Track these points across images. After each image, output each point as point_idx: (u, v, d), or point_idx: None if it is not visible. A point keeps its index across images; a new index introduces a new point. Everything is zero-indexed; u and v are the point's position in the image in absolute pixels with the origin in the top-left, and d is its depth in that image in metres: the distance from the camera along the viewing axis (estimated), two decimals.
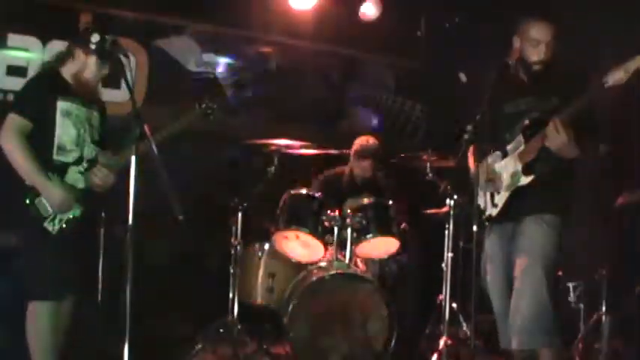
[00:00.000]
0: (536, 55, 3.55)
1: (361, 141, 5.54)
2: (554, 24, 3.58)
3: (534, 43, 3.55)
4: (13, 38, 5.25)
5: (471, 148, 3.77)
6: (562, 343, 3.51)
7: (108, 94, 5.30)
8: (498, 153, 3.65)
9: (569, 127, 3.27)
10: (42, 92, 3.60)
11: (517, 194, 3.52)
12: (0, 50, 5.22)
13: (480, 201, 3.72)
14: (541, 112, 3.50)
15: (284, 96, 6.21)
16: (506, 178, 3.57)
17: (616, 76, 3.07)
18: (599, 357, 4.51)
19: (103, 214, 4.44)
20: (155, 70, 5.72)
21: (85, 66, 3.69)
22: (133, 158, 3.10)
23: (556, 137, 3.28)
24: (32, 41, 5.30)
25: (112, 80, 5.27)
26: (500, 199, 3.58)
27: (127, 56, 3.46)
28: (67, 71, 3.70)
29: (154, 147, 3.14)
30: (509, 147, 3.60)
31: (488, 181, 3.64)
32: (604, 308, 4.57)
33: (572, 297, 4.77)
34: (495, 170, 3.65)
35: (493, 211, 3.63)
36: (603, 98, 3.31)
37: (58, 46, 4.72)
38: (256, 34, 6.10)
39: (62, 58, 3.73)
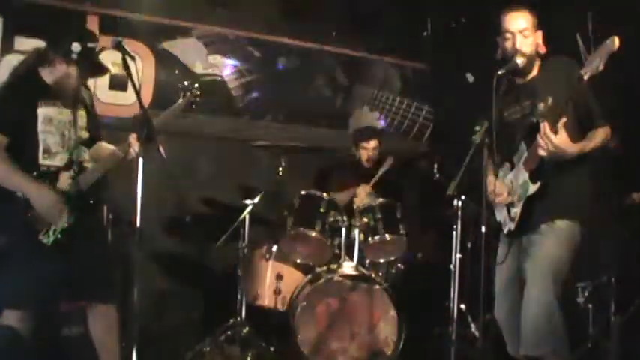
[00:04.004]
0: (511, 46, 3.51)
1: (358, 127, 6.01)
2: (528, 13, 3.51)
3: (507, 35, 3.52)
4: (19, 41, 5.25)
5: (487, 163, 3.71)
6: (569, 350, 3.48)
7: (114, 97, 5.36)
8: (508, 165, 3.61)
9: (561, 127, 3.19)
10: (18, 101, 3.41)
11: (530, 204, 3.48)
12: (6, 54, 5.21)
13: (499, 217, 3.69)
14: (539, 116, 3.42)
15: (291, 97, 6.20)
16: (517, 190, 3.53)
17: (593, 65, 3.01)
18: (609, 358, 4.47)
19: (110, 216, 4.45)
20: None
21: (67, 76, 3.48)
22: (140, 160, 3.10)
23: (546, 144, 3.20)
24: (39, 44, 5.27)
25: (119, 82, 5.32)
26: (516, 211, 3.53)
27: (133, 58, 3.40)
28: (46, 74, 3.51)
29: (162, 149, 3.12)
30: (515, 157, 3.56)
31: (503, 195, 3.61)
32: (613, 308, 4.54)
33: (580, 297, 4.74)
34: (507, 183, 3.60)
35: (511, 226, 3.58)
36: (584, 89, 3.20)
37: None
38: (262, 36, 6.09)
39: (40, 59, 3.53)
